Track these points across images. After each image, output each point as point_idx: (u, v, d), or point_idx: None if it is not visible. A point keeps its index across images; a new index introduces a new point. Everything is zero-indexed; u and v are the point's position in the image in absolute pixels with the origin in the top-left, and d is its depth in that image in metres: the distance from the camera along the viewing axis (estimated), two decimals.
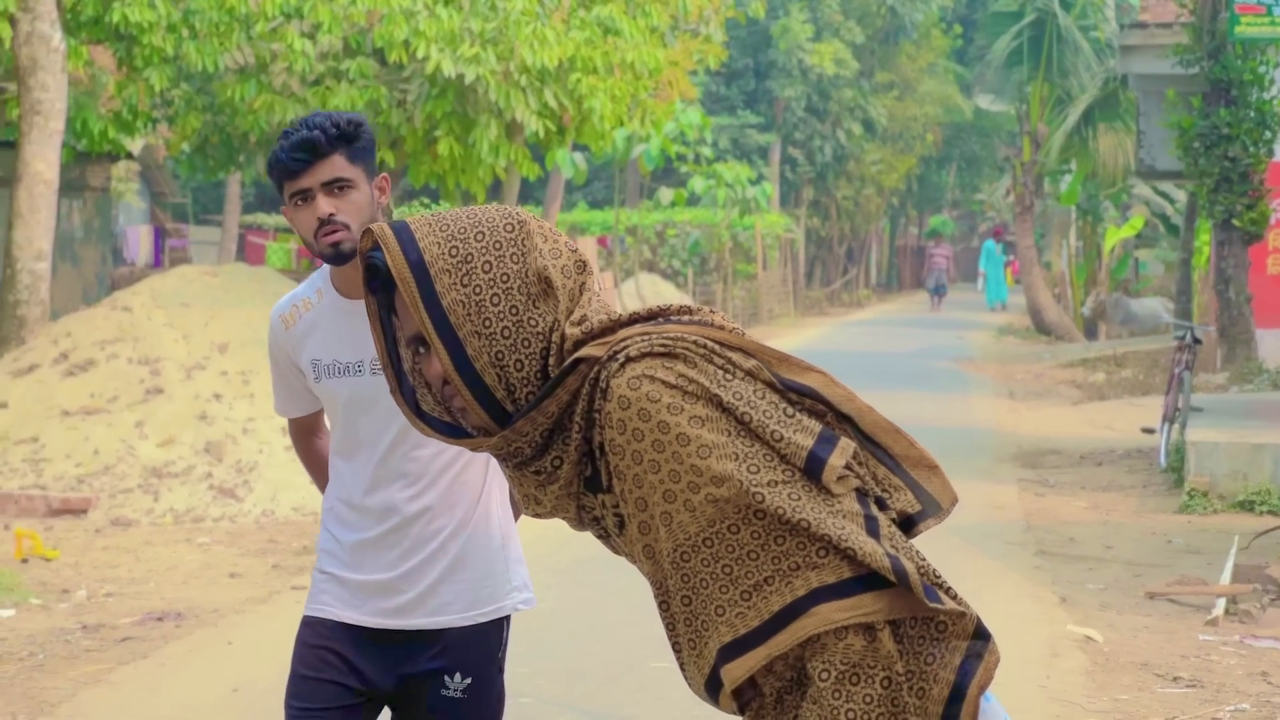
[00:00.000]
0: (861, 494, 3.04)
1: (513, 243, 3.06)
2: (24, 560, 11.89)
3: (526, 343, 3.04)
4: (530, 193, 46.20)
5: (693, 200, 41.74)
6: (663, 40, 19.52)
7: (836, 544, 2.93)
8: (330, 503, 4.66)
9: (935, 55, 52.63)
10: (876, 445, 3.11)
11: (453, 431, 3.16)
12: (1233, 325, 24.25)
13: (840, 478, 3.00)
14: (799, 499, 2.96)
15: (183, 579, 11.55)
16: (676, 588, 3.01)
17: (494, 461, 4.57)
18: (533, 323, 3.04)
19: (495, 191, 24.30)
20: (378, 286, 3.15)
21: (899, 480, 3.12)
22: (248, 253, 39.27)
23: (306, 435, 4.84)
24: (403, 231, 3.06)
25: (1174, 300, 35.45)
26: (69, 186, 24.28)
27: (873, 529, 2.98)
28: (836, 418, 3.09)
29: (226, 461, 13.97)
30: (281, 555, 12.32)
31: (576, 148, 31.83)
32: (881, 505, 3.07)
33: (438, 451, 4.49)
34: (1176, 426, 17.07)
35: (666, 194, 39.33)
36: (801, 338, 36.75)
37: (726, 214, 38.98)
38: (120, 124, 19.58)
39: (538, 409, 3.03)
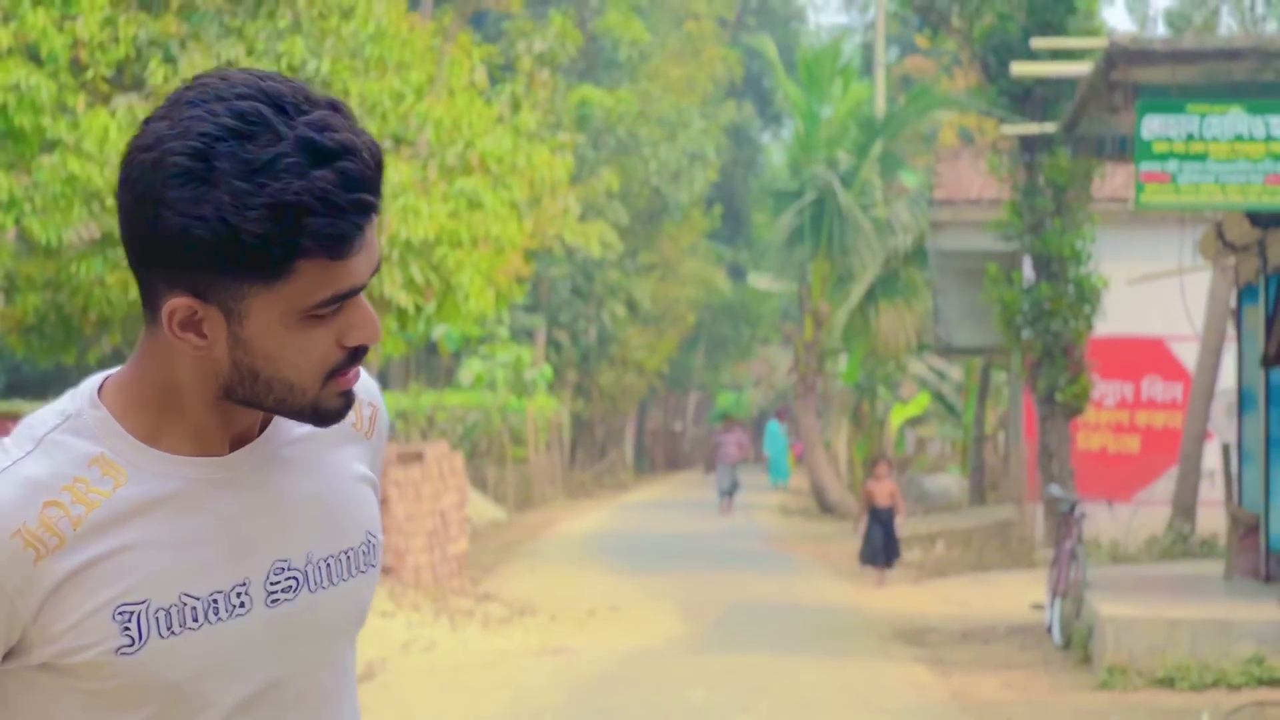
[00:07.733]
0: None
1: None
2: None
3: None
4: None
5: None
6: (519, 214, 18.93)
7: None
8: None
9: (696, 235, 52.76)
10: None
11: None
12: (1056, 500, 24.27)
13: None
14: None
15: None
16: None
17: None
18: None
19: None
20: None
21: None
22: None
23: None
24: None
25: (968, 476, 35.73)
26: None
27: None
28: None
29: None
30: None
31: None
32: None
33: None
34: (1068, 601, 16.80)
35: (467, 374, 38.63)
36: (585, 521, 36.11)
37: (500, 397, 38.35)
38: None
39: None
